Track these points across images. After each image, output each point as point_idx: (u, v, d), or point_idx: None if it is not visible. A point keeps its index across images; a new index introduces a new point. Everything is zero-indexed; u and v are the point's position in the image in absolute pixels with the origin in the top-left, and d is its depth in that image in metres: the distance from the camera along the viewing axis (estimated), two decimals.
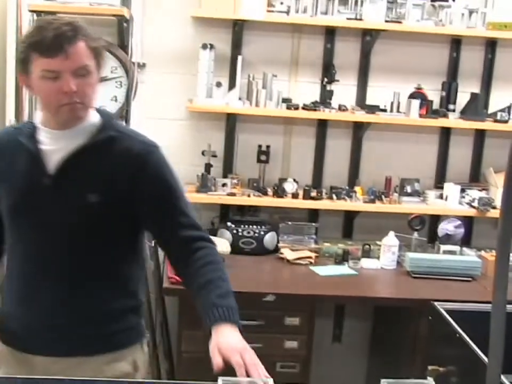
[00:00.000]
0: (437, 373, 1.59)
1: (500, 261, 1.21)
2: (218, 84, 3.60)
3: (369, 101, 3.80)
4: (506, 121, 3.67)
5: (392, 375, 1.42)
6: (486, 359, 1.23)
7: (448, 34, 3.67)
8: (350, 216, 3.93)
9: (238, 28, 3.63)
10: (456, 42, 3.80)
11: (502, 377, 1.24)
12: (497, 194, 3.74)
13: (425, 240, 3.80)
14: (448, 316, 1.66)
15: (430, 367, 1.60)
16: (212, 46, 3.54)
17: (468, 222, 3.91)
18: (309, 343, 3.19)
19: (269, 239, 3.65)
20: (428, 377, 1.55)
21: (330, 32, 3.74)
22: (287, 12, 3.54)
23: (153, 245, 3.24)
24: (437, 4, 3.61)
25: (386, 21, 3.57)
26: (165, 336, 3.57)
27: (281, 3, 3.57)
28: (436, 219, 3.85)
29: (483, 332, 1.23)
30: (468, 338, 1.50)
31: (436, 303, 1.72)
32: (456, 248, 3.63)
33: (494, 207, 3.71)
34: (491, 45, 3.79)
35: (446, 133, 3.90)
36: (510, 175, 1.19)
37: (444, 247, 3.59)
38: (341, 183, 3.85)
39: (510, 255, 1.21)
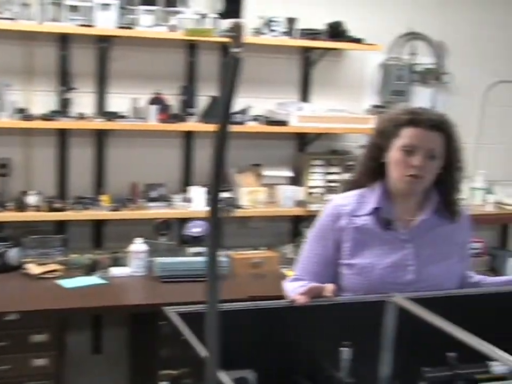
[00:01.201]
0: (170, 377, 1.66)
1: (210, 262, 1.29)
2: None
3: (110, 108, 3.83)
4: (242, 123, 3.87)
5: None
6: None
7: (182, 39, 3.79)
8: (98, 225, 3.92)
9: None
10: (191, 47, 3.94)
11: (221, 374, 1.33)
12: (241, 194, 3.94)
13: (175, 244, 3.90)
14: (181, 319, 1.74)
15: (162, 372, 1.66)
16: None
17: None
18: (60, 359, 3.15)
19: (13, 255, 3.54)
20: (159, 383, 1.62)
21: (63, 40, 3.70)
22: (15, 19, 3.45)
23: None
24: (169, 9, 3.72)
25: (119, 27, 3.61)
26: None
27: (9, 10, 3.47)
28: (183, 222, 3.96)
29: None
30: (192, 339, 1.58)
31: (169, 307, 1.78)
32: (204, 249, 3.74)
33: (239, 207, 3.90)
34: (225, 49, 3.96)
35: (187, 136, 4.03)
36: (214, 178, 1.28)
37: (192, 249, 3.71)
38: (86, 192, 3.83)
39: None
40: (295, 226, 4.24)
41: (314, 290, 1.99)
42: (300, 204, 4.01)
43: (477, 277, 2.40)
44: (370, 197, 2.26)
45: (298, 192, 4.04)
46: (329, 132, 4.09)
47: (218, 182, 1.30)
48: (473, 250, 4.33)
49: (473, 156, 4.64)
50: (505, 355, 1.62)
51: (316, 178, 4.12)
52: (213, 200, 1.31)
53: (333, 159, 4.12)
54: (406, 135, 2.18)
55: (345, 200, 2.28)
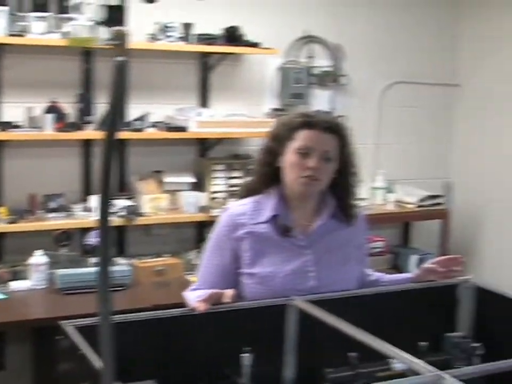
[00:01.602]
0: None
1: (101, 274, 1.27)
2: None
3: (4, 118, 3.71)
4: (141, 130, 3.83)
5: None
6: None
7: (77, 46, 3.71)
8: None
9: None
10: (87, 54, 3.87)
11: None
12: (142, 201, 3.90)
13: (77, 254, 3.81)
14: (78, 332, 1.70)
15: None
16: None
17: (119, 231, 4.02)
18: None
19: None
20: None
21: None
22: None
23: None
24: (61, 16, 3.64)
25: (10, 35, 3.51)
26: None
27: None
28: (84, 232, 3.88)
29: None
30: (89, 353, 1.55)
31: (66, 321, 1.74)
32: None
33: (141, 214, 3.86)
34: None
35: (86, 145, 3.95)
36: (103, 187, 1.26)
37: (94, 260, 3.64)
38: None
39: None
40: (199, 232, 4.23)
41: (214, 297, 1.99)
42: (203, 209, 4.00)
43: (376, 275, 2.44)
44: (267, 204, 2.25)
45: (200, 198, 4.03)
46: (229, 136, 4.11)
47: (107, 191, 1.28)
48: (376, 249, 4.45)
49: (372, 156, 4.76)
50: (402, 353, 1.66)
51: (218, 183, 4.12)
52: (103, 209, 1.29)
53: (235, 163, 4.13)
54: (301, 138, 2.20)
55: (241, 208, 2.26)
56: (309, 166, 2.17)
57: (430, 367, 1.57)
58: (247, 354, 1.89)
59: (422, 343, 2.15)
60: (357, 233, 2.35)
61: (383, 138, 4.79)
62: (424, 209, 4.62)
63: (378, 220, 4.51)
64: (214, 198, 4.09)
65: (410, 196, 4.65)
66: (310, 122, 2.20)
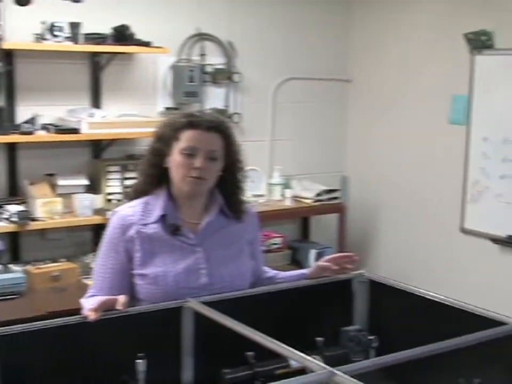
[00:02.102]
0: None
1: None
2: None
3: None
4: (31, 133, 3.73)
5: None
6: None
7: None
8: None
9: None
10: None
11: None
12: (35, 206, 3.79)
13: None
14: None
15: None
16: None
17: (12, 237, 3.91)
18: None
19: None
20: None
21: None
22: None
23: None
24: None
25: None
26: None
27: None
28: None
29: None
30: None
31: None
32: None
33: (35, 219, 3.76)
34: (8, 56, 3.79)
35: None
36: None
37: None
38: None
39: None
40: (96, 234, 4.14)
41: (106, 303, 1.95)
42: (99, 211, 3.93)
43: (272, 272, 2.46)
44: (156, 204, 2.25)
45: (96, 200, 3.96)
46: (122, 137, 4.05)
47: None
48: (274, 245, 4.49)
49: (269, 152, 4.80)
50: (294, 351, 1.68)
51: (113, 184, 4.05)
52: None
53: (129, 164, 4.07)
54: (185, 138, 2.20)
55: (131, 210, 2.25)
56: (195, 166, 2.18)
57: (322, 364, 1.59)
58: (141, 360, 1.87)
59: (319, 338, 2.18)
60: (247, 229, 2.37)
61: (278, 135, 4.83)
62: (321, 204, 4.69)
63: (276, 216, 4.56)
64: (109, 200, 4.02)
65: (307, 191, 4.71)
66: (193, 122, 2.20)
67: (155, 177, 2.27)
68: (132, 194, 2.33)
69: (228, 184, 2.31)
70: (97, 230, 4.11)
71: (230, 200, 2.32)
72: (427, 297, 2.18)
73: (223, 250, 2.29)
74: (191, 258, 2.23)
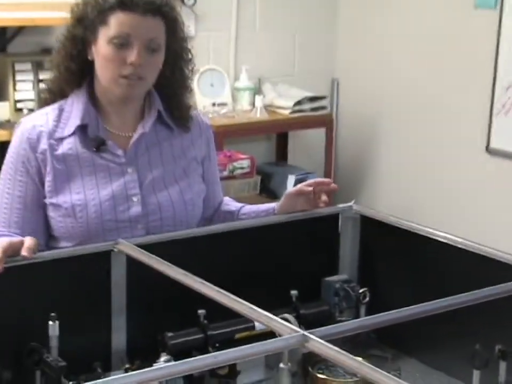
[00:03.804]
0: None
1: None
2: None
3: None
4: None
5: None
6: None
7: None
8: None
9: None
10: None
11: None
12: None
13: None
14: None
15: None
16: None
17: None
18: None
19: None
20: None
21: None
22: None
23: None
24: None
25: None
26: None
27: None
28: None
29: None
30: None
31: None
32: None
33: None
34: None
35: None
36: None
37: None
38: None
39: None
40: (2, 154, 4.10)
41: (9, 248, 1.93)
42: (4, 125, 3.88)
43: (234, 205, 2.47)
44: (72, 112, 2.24)
45: (1, 109, 3.91)
46: (33, 23, 3.96)
47: None
48: (240, 169, 4.48)
49: (234, 47, 4.74)
50: (258, 309, 1.68)
51: (23, 88, 3.98)
52: None
53: (45, 60, 3.99)
54: (116, 23, 2.17)
55: (40, 119, 2.23)
56: (129, 61, 2.15)
57: (292, 326, 1.59)
58: (54, 322, 1.85)
59: (294, 292, 2.19)
60: (196, 142, 2.37)
61: (246, 23, 4.77)
62: (302, 116, 4.66)
63: (243, 131, 4.54)
64: (19, 110, 3.97)
65: (284, 99, 4.67)
66: (127, 2, 2.16)
67: (75, 74, 2.25)
68: (44, 98, 2.32)
69: (169, 82, 2.30)
70: (2, 148, 4.07)
71: (171, 103, 2.32)
72: (436, 238, 2.18)
73: (162, 170, 2.29)
74: (119, 182, 2.23)
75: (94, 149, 2.22)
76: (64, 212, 2.19)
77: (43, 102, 2.33)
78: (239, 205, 2.49)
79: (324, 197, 2.33)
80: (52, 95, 2.30)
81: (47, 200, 2.21)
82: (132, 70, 2.16)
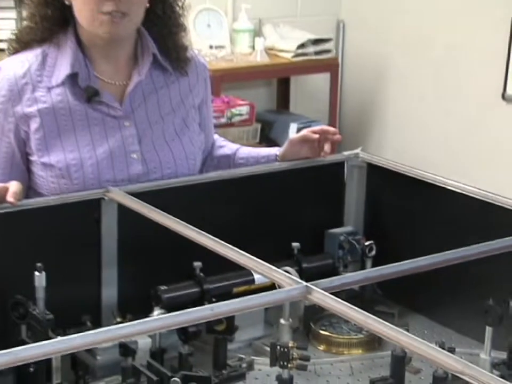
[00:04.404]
0: None
1: None
2: None
3: None
4: None
5: None
6: None
7: None
8: None
9: None
10: None
11: None
12: None
13: None
14: None
15: None
16: None
17: None
18: None
19: None
20: None
21: None
22: None
23: None
24: None
25: None
26: None
27: None
28: None
29: None
30: None
31: None
32: None
33: None
34: None
35: None
36: None
37: None
38: None
39: None
40: None
41: None
42: None
43: (229, 148, 2.45)
44: (59, 58, 2.18)
45: None
46: None
47: None
48: (238, 116, 4.46)
49: None
50: (258, 260, 1.68)
51: (6, 27, 3.95)
52: None
53: None
54: None
55: (22, 65, 2.17)
56: None
57: (295, 277, 1.59)
58: (40, 273, 1.85)
59: (295, 244, 2.19)
60: (194, 87, 2.34)
61: None
62: (306, 60, 4.63)
63: (242, 76, 4.52)
64: (1, 50, 3.93)
65: (286, 41, 4.65)
66: None
67: (54, 22, 2.18)
68: (20, 42, 2.22)
69: (162, 21, 2.25)
70: None
71: (166, 44, 2.27)
72: (448, 187, 2.19)
73: (161, 124, 2.26)
74: (117, 137, 2.20)
75: (87, 101, 2.16)
76: (58, 172, 2.15)
77: (12, 53, 2.24)
78: (234, 146, 2.46)
79: (327, 147, 2.32)
80: (27, 41, 2.21)
81: (36, 159, 2.17)
82: (113, 5, 2.08)
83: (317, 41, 4.69)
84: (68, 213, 2.02)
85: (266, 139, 4.64)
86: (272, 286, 1.71)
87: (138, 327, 1.38)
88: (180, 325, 1.54)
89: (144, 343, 1.83)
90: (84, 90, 2.17)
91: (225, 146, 2.46)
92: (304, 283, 1.52)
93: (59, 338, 1.37)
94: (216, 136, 2.48)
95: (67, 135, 2.16)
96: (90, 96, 2.17)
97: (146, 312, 1.91)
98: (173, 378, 1.64)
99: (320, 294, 1.48)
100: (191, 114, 2.33)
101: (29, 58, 2.18)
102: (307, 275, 2.05)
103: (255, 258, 1.69)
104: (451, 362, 1.26)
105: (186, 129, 2.30)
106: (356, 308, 1.43)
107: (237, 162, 2.40)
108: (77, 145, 2.16)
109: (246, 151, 2.44)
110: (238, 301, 1.51)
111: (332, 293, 1.50)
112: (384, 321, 1.39)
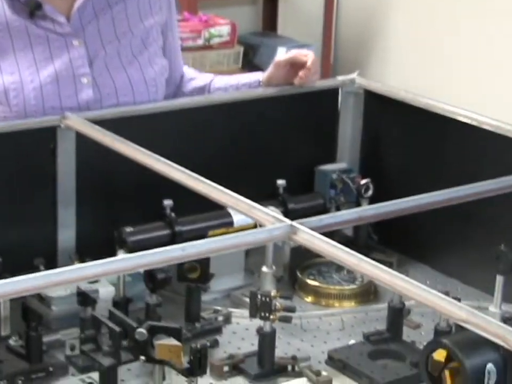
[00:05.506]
0: None
1: None
2: None
3: None
4: None
5: None
6: None
7: None
8: None
9: None
10: None
11: None
12: None
13: None
14: None
15: None
16: None
17: None
18: None
19: None
20: None
21: None
22: None
23: None
24: None
25: None
26: None
27: None
28: None
29: None
30: None
31: None
32: None
33: None
34: None
35: None
36: None
37: None
38: None
39: None
40: None
41: None
42: None
43: (202, 79, 2.43)
44: None
45: None
46: None
47: None
48: (217, 37, 4.44)
49: None
50: (241, 199, 1.68)
51: None
52: None
53: None
54: None
55: None
56: None
57: (279, 216, 1.60)
58: None
59: (281, 181, 2.19)
60: (155, 5, 2.31)
61: None
62: None
63: None
64: None
65: None
66: None
67: None
68: None
69: None
70: None
71: None
72: (457, 118, 2.19)
73: (116, 43, 2.24)
74: (63, 58, 2.18)
75: (29, 15, 2.13)
76: None
77: None
78: (208, 76, 2.45)
79: (303, 72, 2.29)
80: None
81: None
82: None
83: None
84: (18, 143, 2.02)
85: (250, 65, 4.61)
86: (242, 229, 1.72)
87: (96, 268, 1.38)
88: (145, 267, 1.54)
89: (106, 292, 1.84)
90: (24, 3, 2.14)
91: (197, 78, 2.44)
92: (289, 221, 1.53)
93: (3, 280, 1.34)
94: (186, 68, 2.46)
95: (5, 56, 2.15)
96: (33, 9, 2.14)
97: (109, 257, 1.91)
98: (138, 329, 1.64)
99: (307, 234, 1.49)
100: (152, 35, 2.30)
101: None
102: (293, 217, 2.06)
103: (233, 193, 1.69)
104: (454, 310, 1.27)
105: (146, 50, 2.28)
106: (348, 250, 1.43)
107: (212, 92, 2.39)
108: (17, 67, 2.15)
109: (223, 81, 2.42)
110: (213, 240, 1.52)
111: (322, 233, 1.50)
112: (379, 265, 1.39)
